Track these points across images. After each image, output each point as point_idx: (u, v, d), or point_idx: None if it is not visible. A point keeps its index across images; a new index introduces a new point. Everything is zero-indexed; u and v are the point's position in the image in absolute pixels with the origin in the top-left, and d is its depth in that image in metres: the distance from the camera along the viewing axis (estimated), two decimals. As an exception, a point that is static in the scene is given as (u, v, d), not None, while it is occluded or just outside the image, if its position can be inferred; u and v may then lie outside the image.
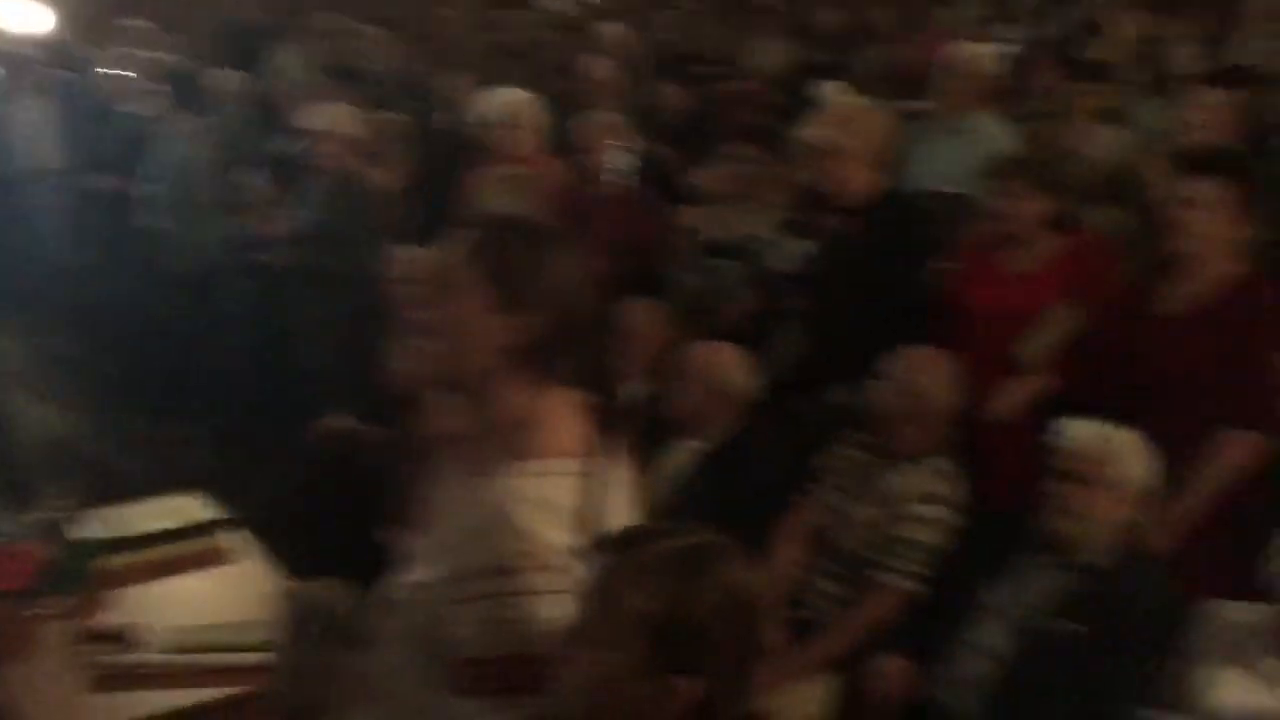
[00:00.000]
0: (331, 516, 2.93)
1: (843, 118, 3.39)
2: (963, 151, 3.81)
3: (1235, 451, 2.78)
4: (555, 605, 1.47)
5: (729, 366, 3.07)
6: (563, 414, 1.57)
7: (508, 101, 4.34)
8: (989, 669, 2.58)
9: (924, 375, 2.91)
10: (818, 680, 2.78)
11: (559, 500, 1.49)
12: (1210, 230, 2.80)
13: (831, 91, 4.55)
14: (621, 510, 1.59)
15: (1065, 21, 5.78)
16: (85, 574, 2.58)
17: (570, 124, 4.36)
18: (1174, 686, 2.42)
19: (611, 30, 5.95)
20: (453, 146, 4.60)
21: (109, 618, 2.52)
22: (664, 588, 1.30)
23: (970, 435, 2.98)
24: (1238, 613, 2.45)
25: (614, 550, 1.36)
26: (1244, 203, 2.83)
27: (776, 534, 2.96)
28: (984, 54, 4.40)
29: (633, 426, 3.17)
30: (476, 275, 1.53)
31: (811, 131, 3.41)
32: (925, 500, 2.85)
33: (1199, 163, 2.86)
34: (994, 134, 4.02)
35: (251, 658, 2.33)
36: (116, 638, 2.46)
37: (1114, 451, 2.52)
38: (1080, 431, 2.58)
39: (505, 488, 1.50)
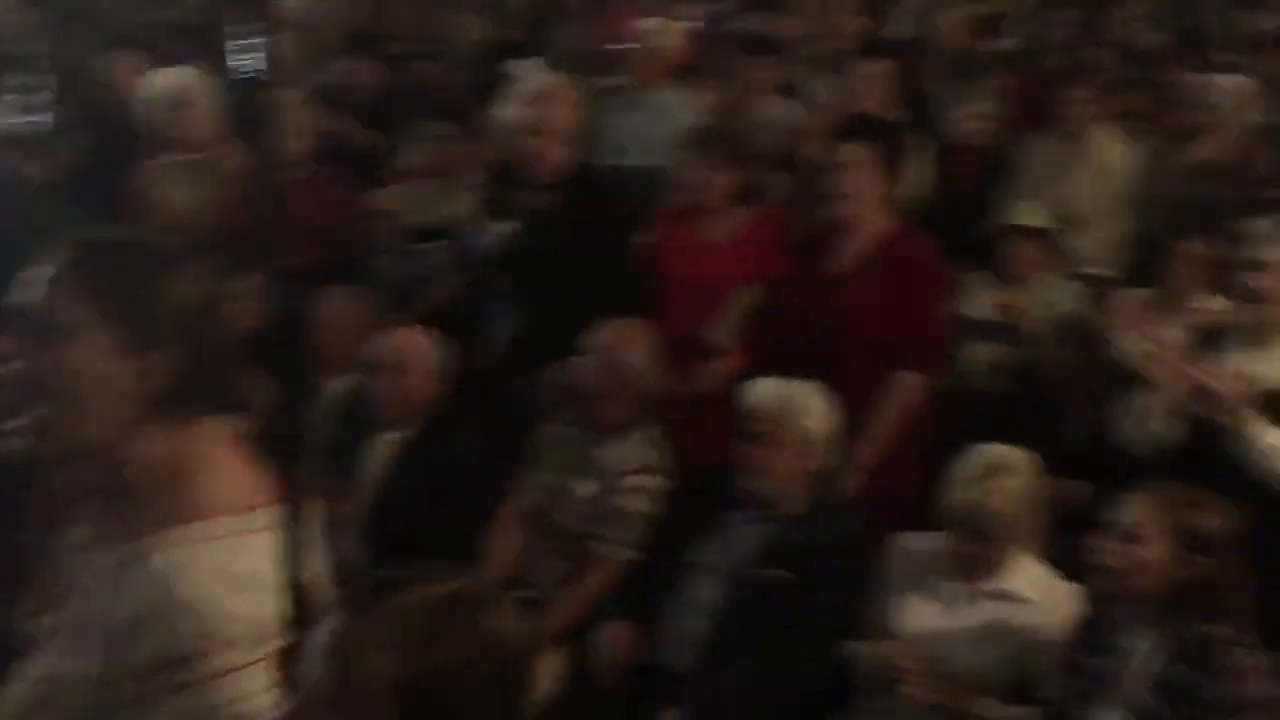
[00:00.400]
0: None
1: (539, 95, 3.39)
2: (650, 126, 3.91)
3: (907, 393, 3.02)
4: (257, 682, 1.32)
5: (427, 352, 3.00)
6: (220, 459, 1.37)
7: (178, 83, 4.02)
8: (704, 624, 2.68)
9: (624, 348, 2.96)
10: (546, 655, 2.79)
11: (235, 565, 1.31)
12: (863, 191, 3.02)
13: (526, 69, 4.53)
14: (305, 554, 1.44)
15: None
16: None
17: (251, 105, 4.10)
18: (871, 617, 2.60)
19: (296, 6, 5.66)
20: (118, 134, 4.21)
21: None
22: (414, 645, 1.15)
23: (674, 400, 3.08)
24: (919, 542, 2.65)
25: (354, 605, 1.22)
26: (893, 164, 3.07)
27: (494, 520, 2.94)
28: (670, 31, 4.52)
29: (305, 447, 3.05)
30: (86, 313, 1.30)
31: (509, 109, 3.39)
32: (639, 471, 2.91)
33: (850, 129, 3.08)
34: (680, 108, 4.14)
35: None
36: None
37: (793, 407, 2.66)
38: (761, 392, 2.70)
39: (167, 561, 1.29)
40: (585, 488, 2.92)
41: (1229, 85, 4.01)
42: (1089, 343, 3.37)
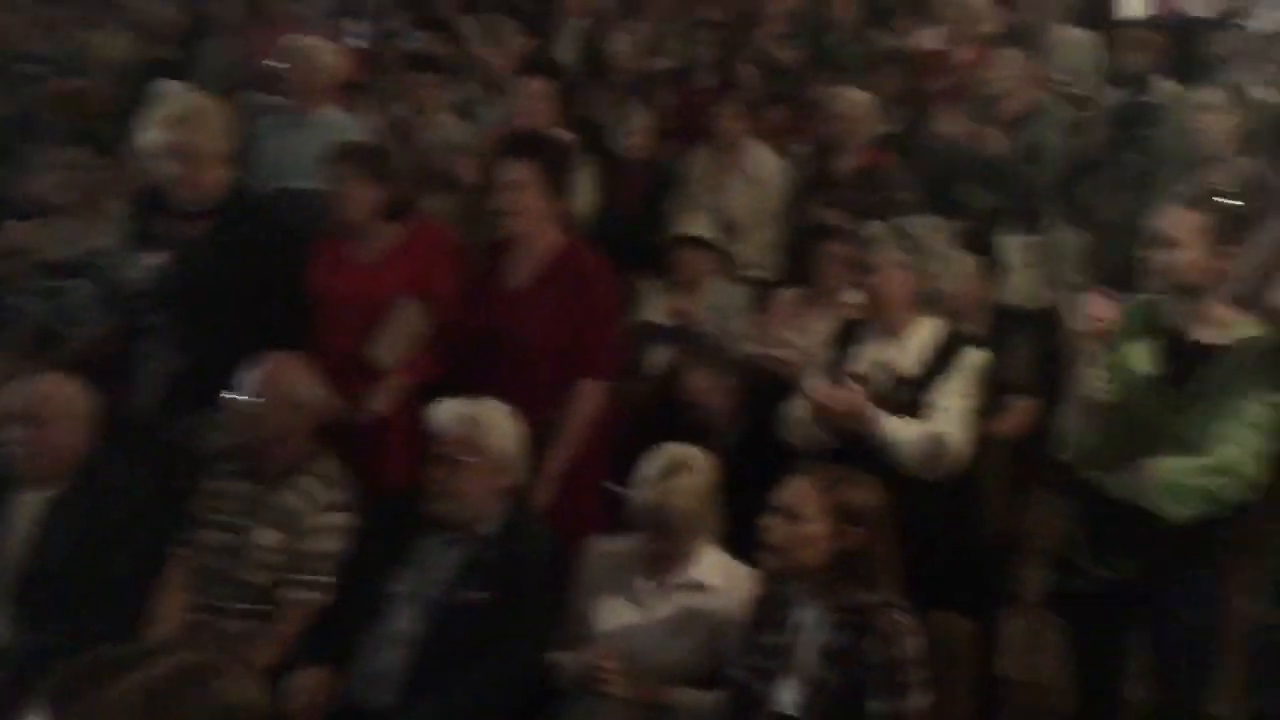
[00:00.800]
0: None
1: (185, 117, 3.19)
2: (312, 146, 3.78)
3: (589, 401, 3.09)
4: None
5: (72, 400, 2.74)
6: None
7: None
8: (404, 655, 2.61)
9: (288, 385, 2.83)
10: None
11: None
12: (531, 207, 3.07)
13: (173, 89, 4.26)
14: None
15: (410, 17, 5.99)
16: None
17: None
18: (570, 625, 2.64)
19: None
20: None
21: None
22: None
23: (347, 428, 2.99)
24: (612, 545, 2.71)
25: (63, 694, 1.05)
26: (560, 180, 3.14)
27: (159, 580, 2.73)
28: (329, 48, 4.40)
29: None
30: None
31: (153, 133, 3.17)
32: (324, 509, 2.80)
33: (514, 147, 3.12)
34: (343, 127, 4.04)
35: None
36: None
37: (479, 427, 2.65)
38: (444, 415, 2.68)
39: None
40: (267, 537, 2.77)
41: (858, 98, 4.41)
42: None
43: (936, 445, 2.67)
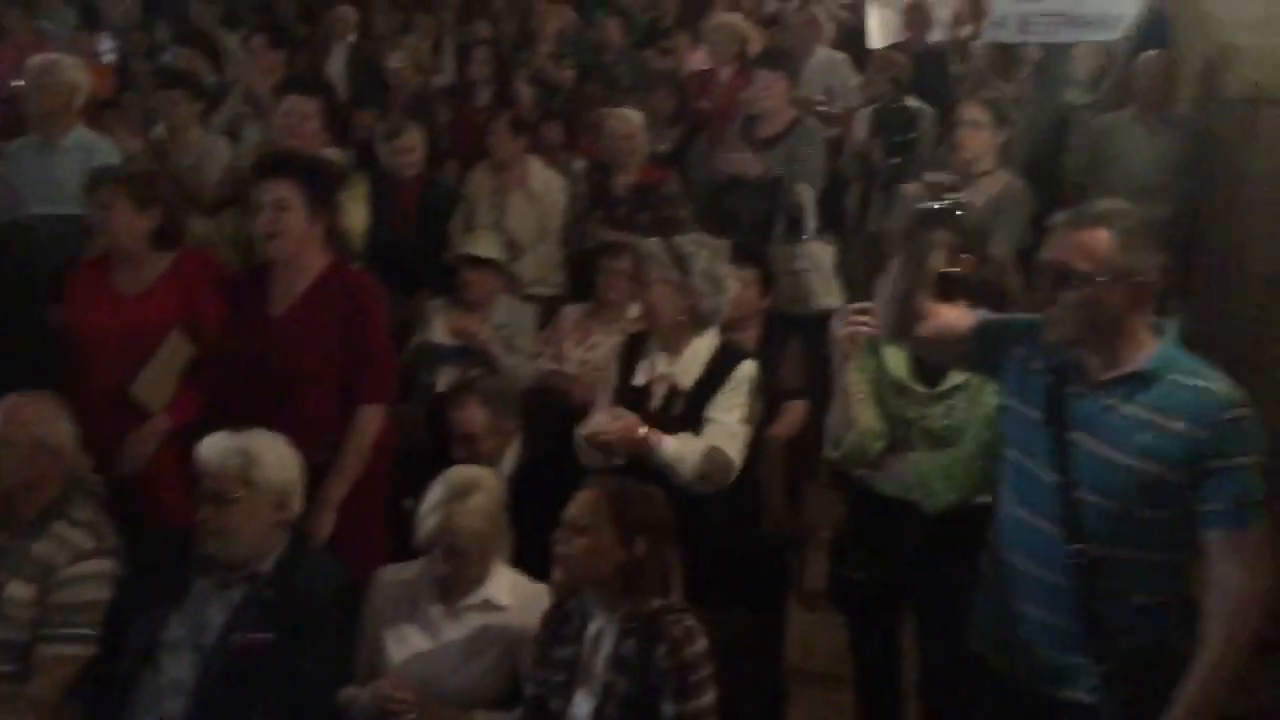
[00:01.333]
0: None
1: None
2: (63, 170, 3.55)
3: (368, 425, 3.01)
4: None
5: None
6: None
7: None
8: (182, 705, 2.47)
9: (33, 425, 2.65)
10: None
11: None
12: (293, 229, 2.96)
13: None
14: None
15: (162, 32, 5.70)
16: None
17: None
18: (361, 658, 2.57)
19: None
20: None
21: None
22: None
23: (112, 470, 2.81)
24: (401, 572, 2.65)
25: None
26: (327, 200, 3.05)
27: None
28: (76, 65, 4.13)
29: None
30: None
31: None
32: (83, 557, 2.62)
33: (275, 167, 3.01)
34: (97, 149, 3.81)
35: None
36: None
37: (248, 461, 2.54)
38: (212, 452, 2.55)
39: None
40: (19, 591, 2.57)
41: (632, 117, 4.52)
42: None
43: (711, 460, 2.77)
